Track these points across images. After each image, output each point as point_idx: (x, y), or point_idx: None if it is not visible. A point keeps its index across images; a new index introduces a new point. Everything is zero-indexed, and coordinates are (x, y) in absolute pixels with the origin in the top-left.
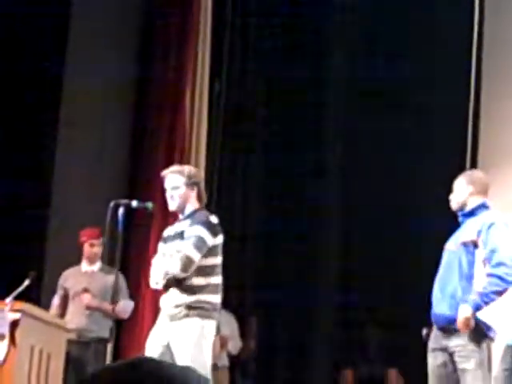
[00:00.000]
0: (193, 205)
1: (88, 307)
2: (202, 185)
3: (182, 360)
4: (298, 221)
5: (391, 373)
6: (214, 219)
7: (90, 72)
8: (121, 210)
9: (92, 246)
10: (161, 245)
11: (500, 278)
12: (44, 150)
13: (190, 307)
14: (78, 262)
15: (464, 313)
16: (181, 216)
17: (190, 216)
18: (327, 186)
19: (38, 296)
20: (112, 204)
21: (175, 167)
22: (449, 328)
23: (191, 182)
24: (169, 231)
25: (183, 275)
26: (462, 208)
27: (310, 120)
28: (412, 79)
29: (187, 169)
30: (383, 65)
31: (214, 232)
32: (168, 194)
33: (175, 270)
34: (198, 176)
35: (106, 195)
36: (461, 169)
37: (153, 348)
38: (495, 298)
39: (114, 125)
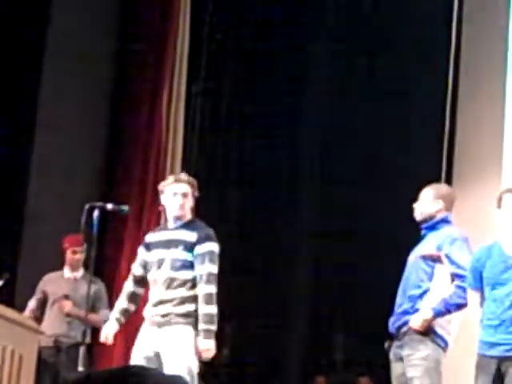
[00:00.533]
0: (189, 215)
1: (68, 315)
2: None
3: (172, 364)
4: (275, 226)
5: (362, 380)
6: (212, 231)
7: (66, 73)
8: (96, 213)
9: (74, 253)
10: (142, 250)
11: (465, 291)
12: (20, 151)
13: (182, 315)
14: (52, 264)
15: (424, 315)
16: (172, 224)
17: (187, 227)
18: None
19: (11, 297)
20: (87, 206)
21: (187, 176)
22: (400, 334)
23: (195, 194)
24: (155, 237)
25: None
26: (425, 220)
27: (287, 121)
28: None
29: (194, 181)
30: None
31: (217, 244)
32: (177, 199)
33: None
34: (196, 188)
35: (81, 197)
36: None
37: (139, 356)
38: (457, 310)
39: (90, 126)
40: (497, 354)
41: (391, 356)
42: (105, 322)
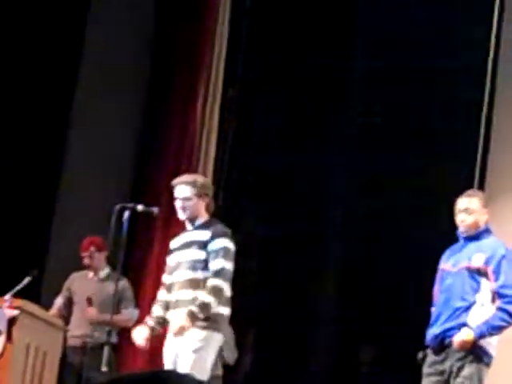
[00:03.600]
0: (203, 215)
1: (91, 320)
2: (211, 195)
3: (183, 366)
4: (303, 227)
5: None
6: (228, 230)
7: (102, 75)
8: (126, 214)
9: (82, 258)
10: (168, 259)
11: (510, 314)
12: (52, 150)
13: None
14: (79, 262)
15: (466, 336)
16: (189, 226)
17: (203, 227)
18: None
19: (37, 294)
20: (117, 207)
21: (186, 177)
22: (443, 347)
23: (203, 193)
24: (176, 243)
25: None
26: (473, 230)
27: (325, 126)
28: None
29: (199, 180)
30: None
31: (233, 243)
32: (178, 204)
33: (209, 299)
34: (209, 187)
35: (112, 198)
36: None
37: (167, 361)
38: (499, 333)
39: (123, 128)
40: None
41: (425, 370)
42: (131, 320)
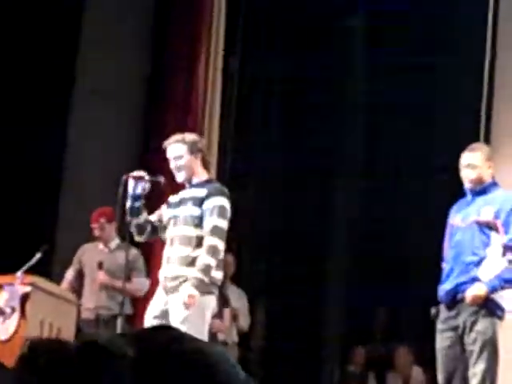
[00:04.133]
0: (201, 174)
1: (101, 284)
2: (205, 151)
3: (177, 324)
4: (315, 194)
5: (400, 350)
6: (225, 189)
7: (103, 46)
8: (132, 183)
9: (93, 230)
10: (164, 208)
11: None
12: (57, 123)
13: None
14: (89, 236)
15: (478, 291)
16: (187, 185)
17: (200, 185)
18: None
19: (49, 270)
20: (124, 178)
21: (176, 136)
22: (455, 302)
23: (195, 149)
24: (174, 198)
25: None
26: (478, 184)
27: (324, 95)
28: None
29: (188, 136)
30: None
31: (229, 201)
32: (172, 165)
33: (208, 260)
34: (201, 143)
35: (118, 167)
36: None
37: (149, 320)
38: (510, 286)
39: (127, 100)
40: None
41: (439, 326)
42: (142, 290)
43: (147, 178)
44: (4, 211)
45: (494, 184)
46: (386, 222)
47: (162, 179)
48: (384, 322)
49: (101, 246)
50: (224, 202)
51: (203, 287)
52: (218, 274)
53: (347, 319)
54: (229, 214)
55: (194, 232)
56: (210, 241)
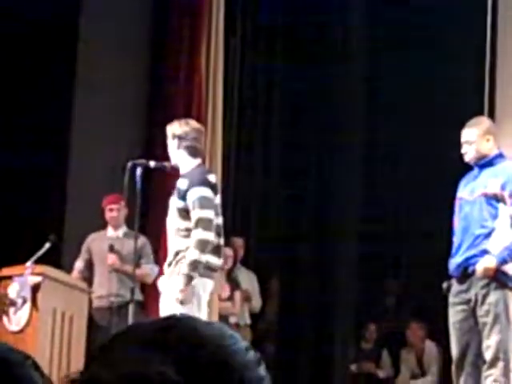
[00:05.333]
0: (186, 162)
1: (112, 267)
2: (192, 138)
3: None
4: (321, 178)
5: (413, 325)
6: (212, 178)
7: (104, 34)
8: (138, 171)
9: (111, 211)
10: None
11: None
12: (61, 112)
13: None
14: (97, 224)
15: (488, 263)
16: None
17: (184, 176)
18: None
19: (58, 259)
20: (129, 164)
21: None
22: (466, 276)
23: (173, 137)
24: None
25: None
26: (479, 159)
27: (331, 77)
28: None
29: (174, 123)
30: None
31: (214, 191)
32: None
33: (195, 255)
34: (184, 130)
35: (124, 156)
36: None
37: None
38: None
39: (130, 87)
40: None
41: (451, 299)
42: (151, 276)
43: (153, 164)
44: (12, 203)
45: (501, 156)
46: (402, 190)
47: (168, 165)
48: (396, 296)
49: (110, 232)
50: (203, 191)
51: (189, 281)
52: (213, 259)
53: (358, 296)
54: (211, 201)
55: (180, 224)
56: (195, 235)
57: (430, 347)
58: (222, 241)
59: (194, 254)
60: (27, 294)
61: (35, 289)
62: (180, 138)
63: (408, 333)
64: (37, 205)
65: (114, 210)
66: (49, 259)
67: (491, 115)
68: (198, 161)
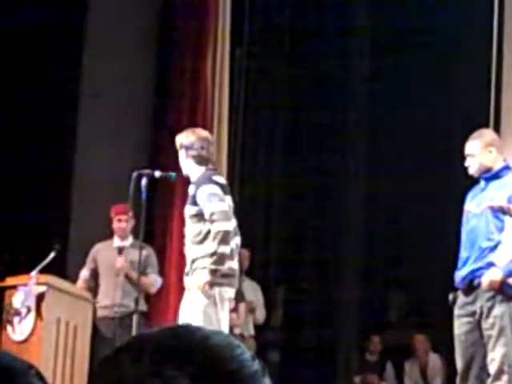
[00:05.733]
0: (195, 171)
1: (120, 270)
2: (198, 147)
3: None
4: (326, 184)
5: (417, 337)
6: (219, 179)
7: (109, 41)
8: (144, 181)
9: (119, 222)
10: None
11: None
12: (66, 120)
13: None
14: (102, 233)
15: (494, 276)
16: None
17: (193, 183)
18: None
19: (63, 268)
20: (135, 174)
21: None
22: (472, 288)
23: (181, 147)
24: None
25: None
26: (484, 172)
27: (333, 85)
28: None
29: (182, 134)
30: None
31: (223, 190)
32: None
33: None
34: (190, 140)
35: (130, 165)
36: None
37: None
38: None
39: (135, 96)
40: None
41: (456, 311)
42: (155, 286)
43: (158, 174)
44: (17, 212)
45: (507, 168)
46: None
47: (173, 175)
48: (400, 308)
49: (116, 242)
50: (211, 188)
51: (214, 278)
52: (231, 264)
53: (362, 308)
54: (220, 194)
55: (194, 229)
56: (212, 228)
57: (434, 359)
58: (238, 241)
59: (212, 247)
60: (32, 303)
61: (40, 298)
62: (187, 148)
63: (412, 345)
64: (42, 214)
65: (123, 221)
66: (53, 269)
67: (496, 127)
68: (201, 168)
